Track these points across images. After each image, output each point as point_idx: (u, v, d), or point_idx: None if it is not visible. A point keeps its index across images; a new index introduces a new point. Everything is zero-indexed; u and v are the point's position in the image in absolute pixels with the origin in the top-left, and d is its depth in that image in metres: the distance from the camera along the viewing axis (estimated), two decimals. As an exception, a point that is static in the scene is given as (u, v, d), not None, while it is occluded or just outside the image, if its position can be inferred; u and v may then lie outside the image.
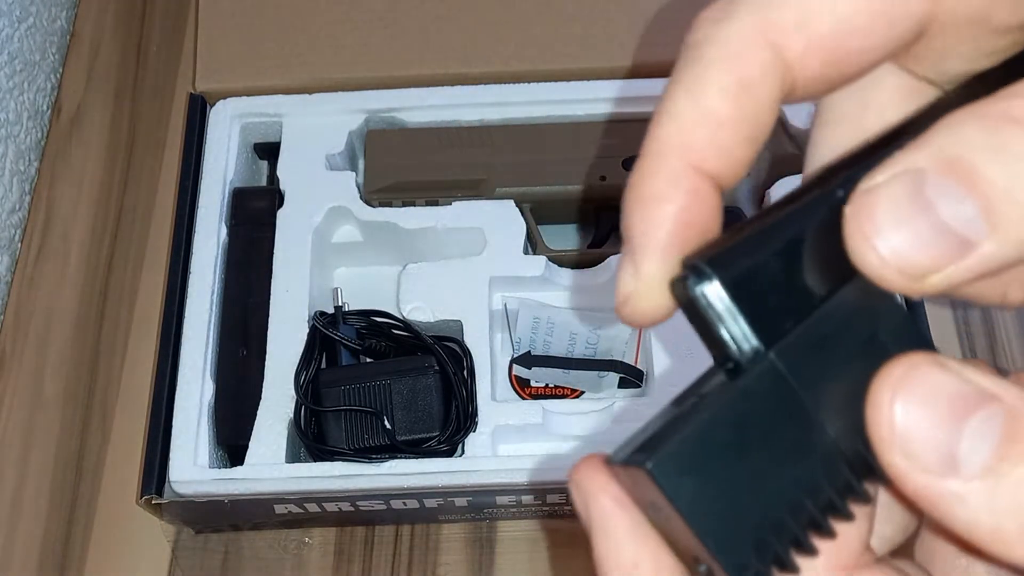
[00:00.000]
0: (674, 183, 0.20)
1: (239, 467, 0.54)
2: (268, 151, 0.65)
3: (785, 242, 0.20)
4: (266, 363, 0.57)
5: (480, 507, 0.56)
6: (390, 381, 0.56)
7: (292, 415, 0.55)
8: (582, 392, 0.60)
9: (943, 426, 0.18)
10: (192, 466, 0.54)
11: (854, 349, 0.20)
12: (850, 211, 0.18)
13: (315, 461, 0.55)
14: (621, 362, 0.58)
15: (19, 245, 0.68)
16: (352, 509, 0.55)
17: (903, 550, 0.24)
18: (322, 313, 0.58)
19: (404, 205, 0.62)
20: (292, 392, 0.56)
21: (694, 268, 0.19)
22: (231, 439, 0.56)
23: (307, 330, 0.57)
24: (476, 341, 0.57)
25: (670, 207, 0.20)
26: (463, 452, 0.55)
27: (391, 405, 0.55)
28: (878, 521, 0.23)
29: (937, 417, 0.18)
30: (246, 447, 0.55)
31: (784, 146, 0.61)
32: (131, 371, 0.64)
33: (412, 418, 0.55)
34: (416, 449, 0.54)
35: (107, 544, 0.60)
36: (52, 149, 0.71)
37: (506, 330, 0.60)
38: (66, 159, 0.71)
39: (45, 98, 0.73)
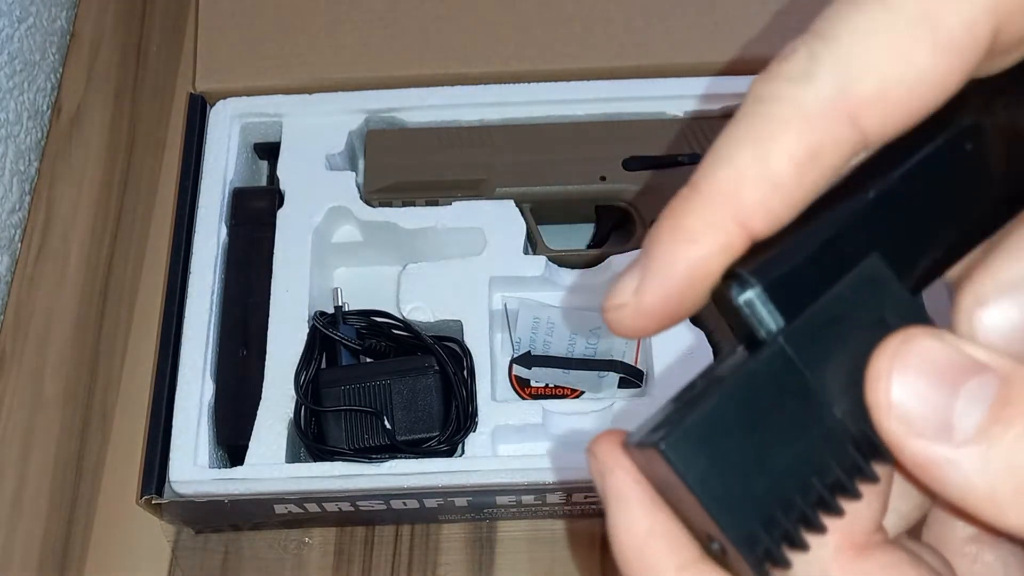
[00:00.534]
0: (712, 230, 0.20)
1: (239, 467, 0.54)
2: (268, 151, 0.65)
3: (820, 246, 0.20)
4: (266, 363, 0.57)
5: (480, 507, 0.56)
6: (390, 381, 0.56)
7: (292, 415, 0.55)
8: (582, 392, 0.60)
9: (937, 393, 0.19)
10: (192, 466, 0.54)
11: (861, 331, 0.20)
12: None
13: (315, 461, 0.55)
14: (621, 362, 0.58)
15: (19, 245, 0.68)
16: (352, 509, 0.55)
17: (912, 534, 0.24)
18: (322, 313, 0.58)
19: (404, 205, 0.62)
20: (292, 392, 0.56)
21: (737, 277, 0.20)
22: (231, 439, 0.56)
23: (307, 330, 0.57)
24: (476, 341, 0.57)
25: (698, 252, 0.20)
26: (463, 452, 0.55)
27: (391, 405, 0.55)
28: (893, 496, 0.23)
29: (932, 384, 0.19)
30: (246, 447, 0.55)
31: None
32: (131, 371, 0.64)
33: (412, 418, 0.55)
34: (416, 449, 0.54)
35: (107, 544, 0.60)
36: (52, 149, 0.71)
37: (506, 330, 0.60)
38: (66, 159, 0.71)
39: (45, 98, 0.73)
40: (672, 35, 0.64)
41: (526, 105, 0.63)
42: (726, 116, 0.62)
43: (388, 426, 0.54)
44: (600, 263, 0.60)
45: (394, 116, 0.64)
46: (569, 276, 0.60)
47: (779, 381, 0.20)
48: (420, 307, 0.58)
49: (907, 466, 0.19)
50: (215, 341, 0.58)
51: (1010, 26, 0.20)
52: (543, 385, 0.60)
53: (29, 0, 0.70)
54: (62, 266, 0.67)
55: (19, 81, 0.69)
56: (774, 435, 0.20)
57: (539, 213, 0.61)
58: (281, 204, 0.61)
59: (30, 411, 0.63)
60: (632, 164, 0.61)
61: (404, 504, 0.55)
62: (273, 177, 0.63)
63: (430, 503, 0.55)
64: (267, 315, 0.58)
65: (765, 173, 0.20)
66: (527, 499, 0.55)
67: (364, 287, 0.63)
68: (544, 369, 0.59)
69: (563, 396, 0.60)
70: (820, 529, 0.20)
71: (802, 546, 0.20)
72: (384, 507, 0.55)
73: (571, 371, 0.59)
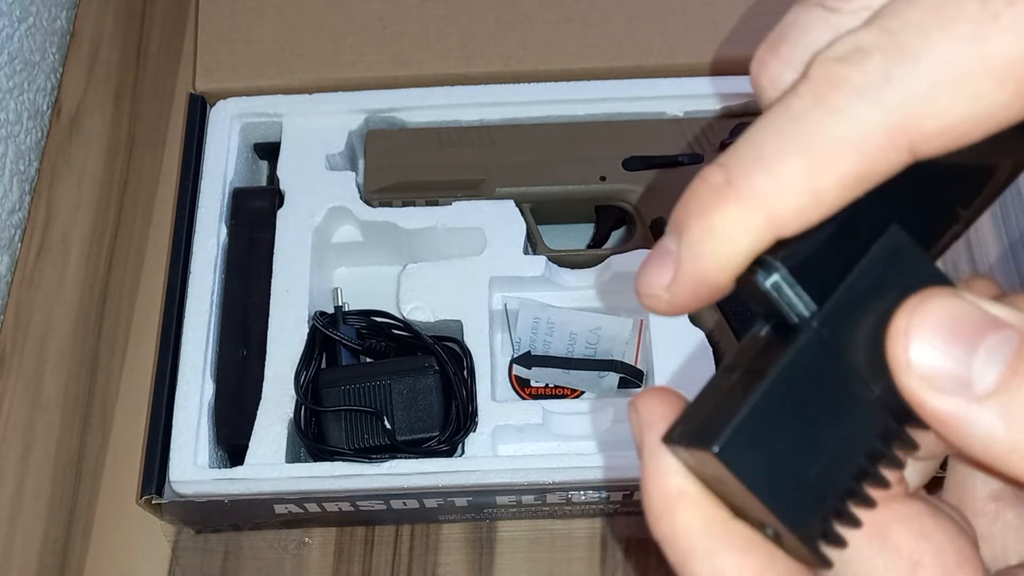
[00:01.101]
0: (746, 233, 0.20)
1: (239, 467, 0.54)
2: (268, 151, 0.65)
3: (841, 225, 0.20)
4: (266, 363, 0.57)
5: (480, 507, 0.56)
6: (390, 381, 0.56)
7: (292, 415, 0.55)
8: (582, 392, 0.60)
9: (956, 348, 0.19)
10: (192, 466, 0.54)
11: (888, 302, 0.20)
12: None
13: (315, 461, 0.55)
14: (621, 362, 0.58)
15: (19, 245, 0.68)
16: (352, 509, 0.55)
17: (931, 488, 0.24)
18: (322, 313, 0.58)
19: (404, 205, 0.62)
20: (292, 392, 0.56)
21: (763, 263, 0.20)
22: (231, 439, 0.56)
23: (307, 330, 0.57)
24: (476, 341, 0.57)
25: (731, 251, 0.20)
26: (463, 452, 0.55)
27: (391, 405, 0.55)
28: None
29: (950, 340, 0.19)
30: (246, 447, 0.55)
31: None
32: (131, 371, 0.64)
33: (412, 418, 0.55)
34: (416, 449, 0.54)
35: (107, 544, 0.60)
36: (52, 149, 0.71)
37: (506, 330, 0.60)
38: (66, 159, 0.71)
39: (45, 98, 0.73)
40: (672, 35, 0.64)
41: (526, 105, 0.63)
42: (726, 116, 0.63)
43: (388, 426, 0.54)
44: (600, 263, 0.60)
45: (394, 116, 0.64)
46: (569, 276, 0.60)
47: (817, 366, 0.20)
48: (420, 307, 0.58)
49: (930, 422, 0.19)
50: (215, 341, 0.58)
51: None
52: (543, 385, 0.60)
53: (29, 0, 0.70)
54: (62, 266, 0.67)
55: (19, 81, 0.69)
56: (818, 419, 0.20)
57: (539, 213, 0.61)
58: (281, 204, 0.61)
59: (30, 411, 0.63)
60: (632, 164, 0.61)
61: (404, 504, 0.55)
62: (273, 177, 0.63)
63: (430, 503, 0.55)
64: (267, 315, 0.58)
65: (812, 190, 0.19)
66: (527, 499, 0.55)
67: (364, 287, 0.63)
68: (544, 369, 0.59)
69: (563, 396, 0.60)
70: (869, 502, 0.21)
71: (854, 522, 0.21)
72: (384, 507, 0.55)
73: (571, 371, 0.59)
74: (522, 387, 0.60)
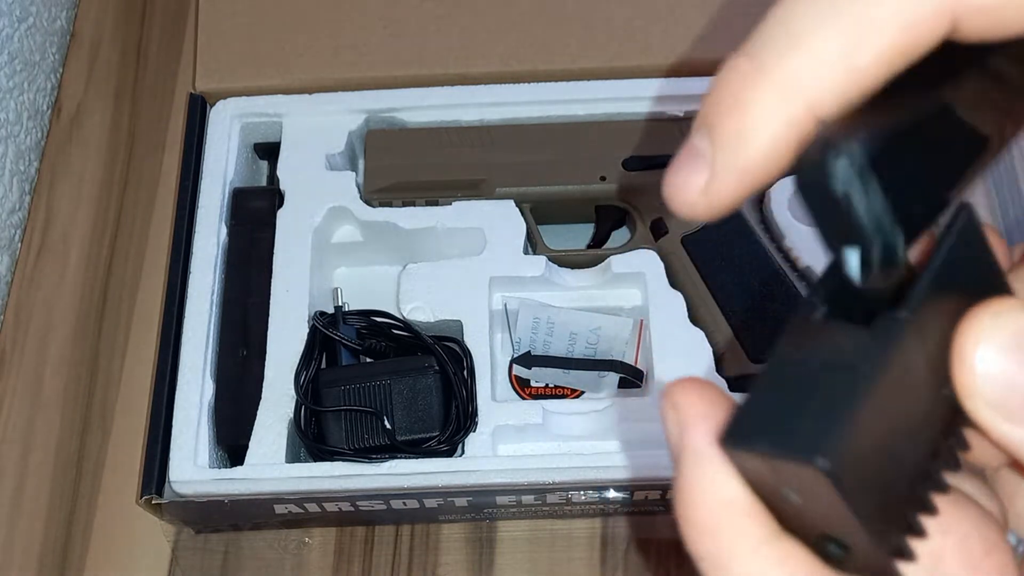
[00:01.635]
0: (782, 119, 0.18)
1: (239, 467, 0.54)
2: (268, 151, 0.65)
3: (908, 130, 0.19)
4: (266, 363, 0.57)
5: (480, 507, 0.56)
6: (390, 381, 0.56)
7: (292, 415, 0.55)
8: (582, 392, 0.60)
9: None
10: (192, 466, 0.54)
11: (956, 304, 0.19)
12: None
13: (315, 461, 0.55)
14: (621, 362, 0.58)
15: (19, 245, 0.68)
16: (352, 509, 0.55)
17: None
18: (322, 313, 0.58)
19: (404, 205, 0.62)
20: (292, 392, 0.56)
21: (834, 146, 0.18)
22: (231, 439, 0.56)
23: (307, 330, 0.57)
24: (476, 341, 0.57)
25: (769, 144, 0.18)
26: (463, 452, 0.55)
27: (391, 405, 0.55)
28: None
29: (1019, 363, 0.18)
30: (246, 447, 0.55)
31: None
32: (131, 371, 0.64)
33: (412, 418, 0.55)
34: (416, 449, 0.54)
35: (107, 544, 0.60)
36: (52, 149, 0.71)
37: (506, 330, 0.60)
38: (66, 159, 0.71)
39: (45, 98, 0.73)
40: (672, 35, 0.64)
41: (526, 105, 0.63)
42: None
43: (388, 426, 0.54)
44: (600, 263, 0.60)
45: (394, 116, 0.64)
46: (569, 276, 0.60)
47: (902, 363, 0.18)
48: (420, 307, 0.58)
49: (997, 445, 0.18)
50: (215, 341, 0.58)
51: None
52: (543, 385, 0.60)
53: (29, 0, 0.70)
54: (62, 266, 0.67)
55: (19, 81, 0.69)
56: (898, 421, 0.19)
57: (539, 213, 0.61)
58: (281, 204, 0.61)
59: (30, 411, 0.63)
60: (632, 164, 0.61)
61: (404, 504, 0.55)
62: (273, 177, 0.63)
63: (430, 503, 0.55)
64: (267, 315, 0.58)
65: (851, 67, 0.18)
66: (527, 499, 0.55)
67: (364, 287, 0.63)
68: (544, 369, 0.59)
69: (563, 396, 0.60)
70: (934, 512, 0.19)
71: (922, 533, 0.19)
72: (384, 507, 0.55)
73: (571, 371, 0.59)
74: (522, 387, 0.60)
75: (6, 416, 0.62)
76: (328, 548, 0.59)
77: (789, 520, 0.19)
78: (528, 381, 0.60)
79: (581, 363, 0.59)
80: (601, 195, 0.62)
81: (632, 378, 0.58)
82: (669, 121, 0.62)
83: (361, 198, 0.62)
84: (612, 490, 0.54)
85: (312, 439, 0.55)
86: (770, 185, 0.60)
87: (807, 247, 0.58)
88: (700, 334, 0.56)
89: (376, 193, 0.62)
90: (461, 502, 0.55)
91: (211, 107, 0.64)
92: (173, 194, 0.63)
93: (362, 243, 0.63)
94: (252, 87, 0.64)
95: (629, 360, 0.59)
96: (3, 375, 0.64)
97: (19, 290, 0.66)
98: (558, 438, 0.56)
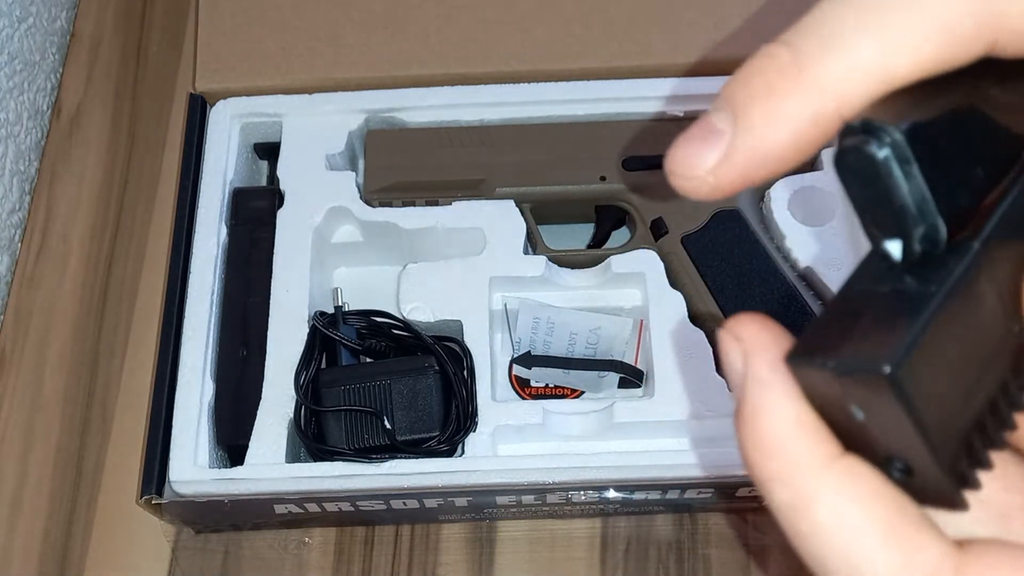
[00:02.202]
0: (812, 118, 0.19)
1: (239, 467, 0.54)
2: (268, 151, 0.65)
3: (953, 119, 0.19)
4: (266, 363, 0.57)
5: (480, 507, 0.56)
6: (390, 381, 0.56)
7: (292, 415, 0.55)
8: (582, 392, 0.60)
9: None
10: (192, 466, 0.54)
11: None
12: None
13: (315, 461, 0.55)
14: (621, 362, 0.58)
15: (19, 245, 0.68)
16: (352, 509, 0.55)
17: None
18: (322, 313, 0.58)
19: (404, 205, 0.62)
20: (292, 392, 0.56)
21: (877, 131, 0.18)
22: (231, 439, 0.56)
23: (307, 330, 0.57)
24: (476, 341, 0.57)
25: (790, 134, 0.19)
26: (463, 452, 0.55)
27: (391, 405, 0.55)
28: None
29: None
30: (246, 447, 0.55)
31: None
32: (131, 371, 0.64)
33: (412, 418, 0.55)
34: (416, 449, 0.54)
35: (107, 544, 0.60)
36: (52, 149, 0.71)
37: (506, 330, 0.60)
38: (66, 159, 0.71)
39: (45, 98, 0.73)
40: (672, 35, 0.64)
41: (526, 105, 0.63)
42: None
43: (388, 426, 0.54)
44: (600, 263, 0.60)
45: (394, 116, 0.64)
46: (569, 276, 0.60)
47: (970, 296, 0.18)
48: (420, 307, 0.58)
49: None
50: (215, 341, 0.58)
51: None
52: (543, 385, 0.60)
53: (29, 0, 0.70)
54: (62, 266, 0.67)
55: (19, 81, 0.69)
56: (965, 352, 0.19)
57: (539, 213, 0.61)
58: (281, 204, 0.61)
59: (30, 411, 0.63)
60: (632, 164, 0.61)
61: (404, 504, 0.55)
62: (273, 177, 0.63)
63: (430, 503, 0.55)
64: (267, 315, 0.58)
65: (885, 76, 0.18)
66: (527, 499, 0.55)
67: (364, 287, 0.63)
68: (544, 369, 0.59)
69: (563, 396, 0.60)
70: (1002, 446, 0.19)
71: (989, 466, 0.19)
72: (384, 507, 0.55)
73: (571, 371, 0.59)
74: (522, 387, 0.60)
75: (6, 416, 0.62)
76: (328, 548, 0.59)
77: (855, 441, 0.19)
78: (528, 381, 0.60)
79: (581, 363, 0.59)
80: (601, 195, 0.62)
81: (632, 378, 0.58)
82: (669, 121, 0.62)
83: (361, 198, 0.62)
84: (612, 490, 0.54)
85: (312, 439, 0.55)
86: (772, 182, 0.60)
87: (807, 247, 0.58)
88: (700, 334, 0.56)
89: (376, 193, 0.62)
90: (461, 502, 0.55)
91: (211, 107, 0.64)
92: (173, 194, 0.63)
93: (362, 243, 0.63)
94: (252, 87, 0.64)
95: (629, 360, 0.59)
96: (3, 375, 0.64)
97: (19, 290, 0.66)
98: (558, 438, 0.56)
